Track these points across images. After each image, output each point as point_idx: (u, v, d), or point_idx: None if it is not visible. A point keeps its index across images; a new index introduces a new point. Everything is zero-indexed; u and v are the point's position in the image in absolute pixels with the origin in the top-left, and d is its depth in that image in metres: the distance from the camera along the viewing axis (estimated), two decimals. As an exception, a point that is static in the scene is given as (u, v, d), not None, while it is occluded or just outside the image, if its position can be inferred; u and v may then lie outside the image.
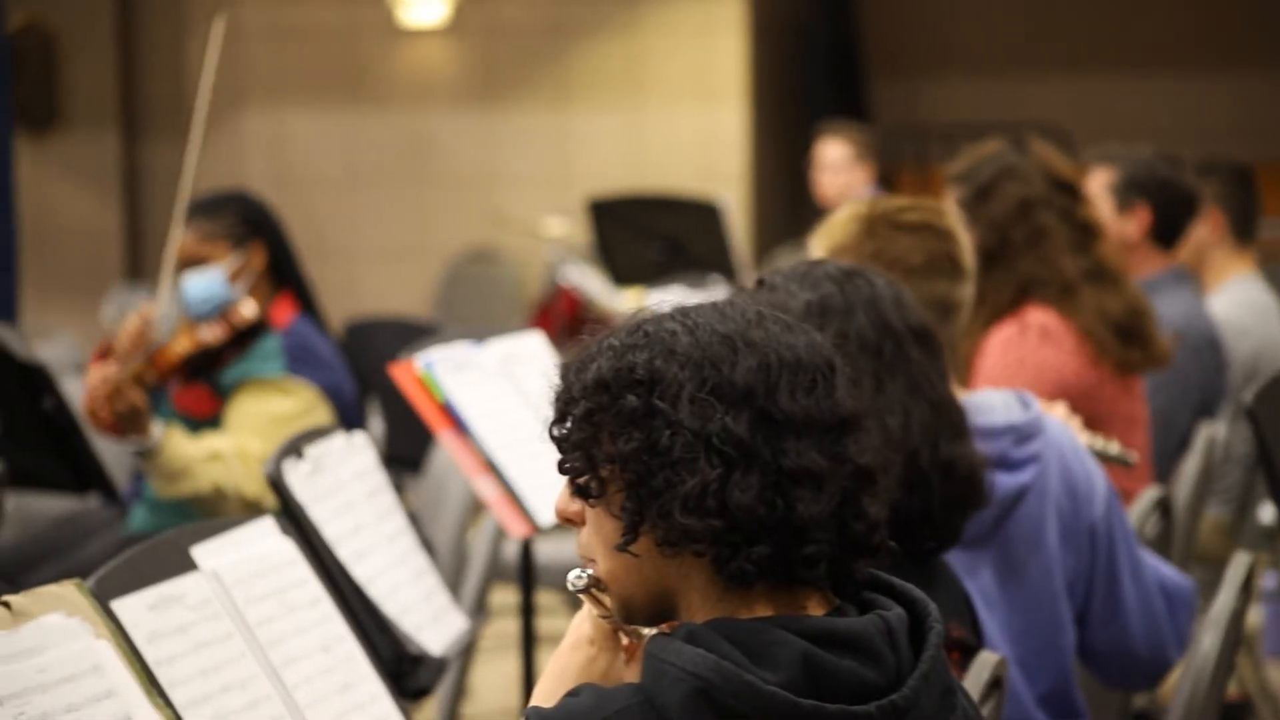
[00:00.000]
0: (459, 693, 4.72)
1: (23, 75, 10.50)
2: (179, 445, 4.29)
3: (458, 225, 11.02)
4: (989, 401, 2.93)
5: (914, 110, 12.13)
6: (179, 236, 4.47)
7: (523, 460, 3.88)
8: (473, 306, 10.66)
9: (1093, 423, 3.75)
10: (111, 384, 4.22)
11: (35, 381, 4.43)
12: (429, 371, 3.89)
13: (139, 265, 11.56)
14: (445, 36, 11.02)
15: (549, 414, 1.85)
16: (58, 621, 2.10)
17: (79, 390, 4.65)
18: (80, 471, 4.52)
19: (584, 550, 1.86)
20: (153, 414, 4.32)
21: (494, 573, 4.76)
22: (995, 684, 2.51)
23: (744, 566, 1.76)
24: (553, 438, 1.84)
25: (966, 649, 2.55)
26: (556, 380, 1.85)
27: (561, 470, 1.84)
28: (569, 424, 1.83)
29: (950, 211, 3.21)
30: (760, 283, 2.67)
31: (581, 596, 1.88)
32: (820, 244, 3.03)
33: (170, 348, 4.40)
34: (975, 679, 2.46)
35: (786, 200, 9.57)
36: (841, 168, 8.47)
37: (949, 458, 2.60)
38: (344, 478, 3.25)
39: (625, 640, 1.90)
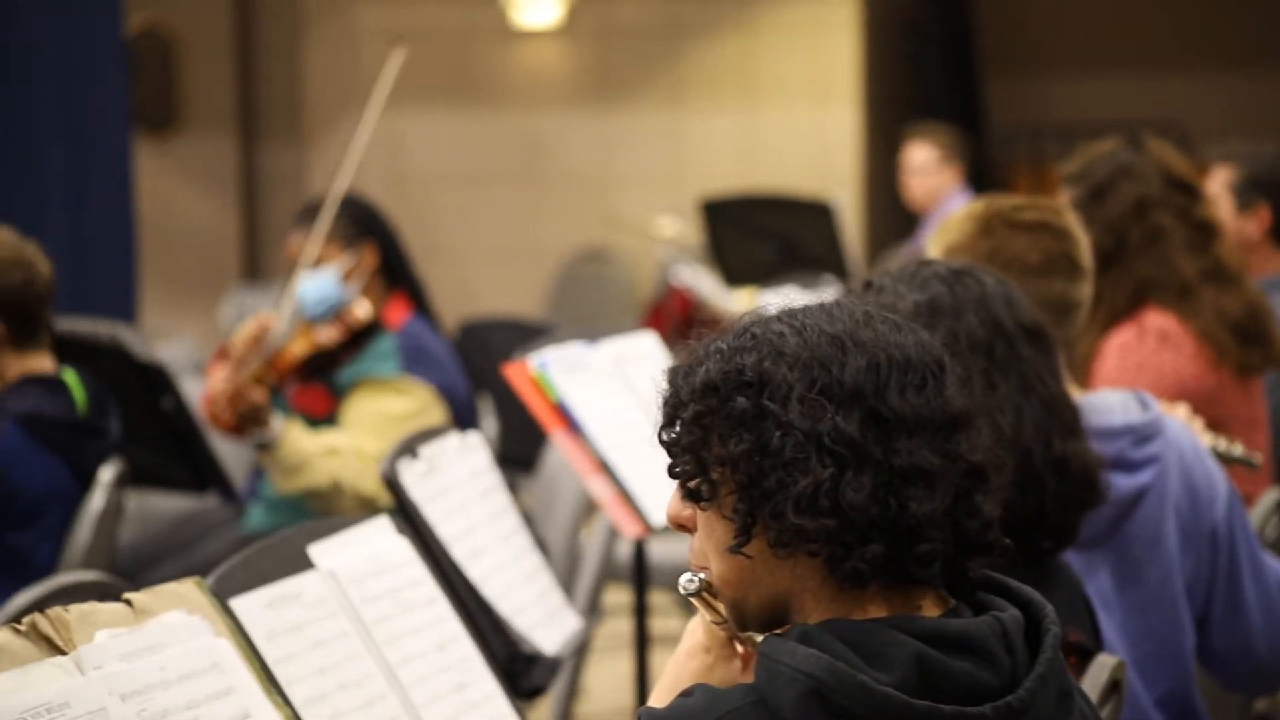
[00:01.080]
0: (573, 692, 4.74)
1: (142, 78, 10.65)
2: (298, 439, 4.33)
3: (571, 225, 11.05)
4: (1107, 402, 2.91)
5: (1029, 109, 12.03)
6: (300, 241, 4.53)
7: (636, 460, 3.88)
8: (585, 307, 10.68)
9: (1214, 426, 3.70)
10: (233, 386, 4.27)
11: (155, 382, 4.49)
12: (542, 372, 3.90)
13: (256, 267, 11.67)
14: (559, 38, 11.05)
15: (659, 418, 1.85)
16: (178, 619, 2.12)
17: (197, 391, 4.70)
18: (198, 471, 4.58)
19: (696, 558, 1.86)
20: (272, 410, 4.37)
21: (607, 573, 4.77)
22: (1114, 686, 2.49)
23: (858, 566, 1.75)
24: (662, 442, 1.84)
25: (1084, 653, 2.53)
26: (664, 385, 1.85)
27: (672, 474, 1.84)
28: (678, 428, 1.82)
29: (1067, 210, 3.18)
30: (868, 284, 2.66)
31: (693, 601, 1.87)
32: (936, 243, 3.02)
33: (288, 349, 4.45)
34: (1093, 681, 2.45)
35: (899, 200, 9.52)
36: (930, 170, 8.39)
37: (1062, 455, 2.58)
38: (458, 477, 3.26)
39: (741, 648, 1.90)
